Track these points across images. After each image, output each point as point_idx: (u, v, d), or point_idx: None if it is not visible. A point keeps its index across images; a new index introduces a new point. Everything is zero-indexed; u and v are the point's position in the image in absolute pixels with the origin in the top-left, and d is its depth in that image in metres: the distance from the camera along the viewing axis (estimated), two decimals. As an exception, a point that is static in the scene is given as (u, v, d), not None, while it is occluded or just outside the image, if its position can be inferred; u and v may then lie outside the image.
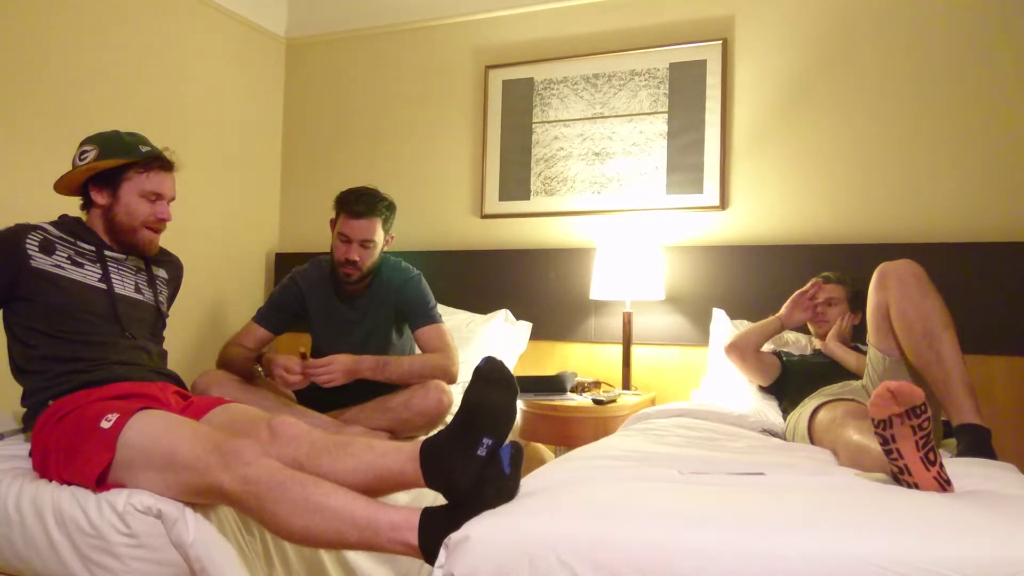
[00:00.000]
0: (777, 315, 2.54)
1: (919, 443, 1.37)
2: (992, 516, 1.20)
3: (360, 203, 2.35)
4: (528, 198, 3.30)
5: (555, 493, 1.35)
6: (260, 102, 3.71)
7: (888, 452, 1.41)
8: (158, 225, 1.91)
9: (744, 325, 2.79)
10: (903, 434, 1.38)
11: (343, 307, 2.48)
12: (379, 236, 2.39)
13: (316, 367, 2.18)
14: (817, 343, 2.59)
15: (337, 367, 2.19)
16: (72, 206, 1.95)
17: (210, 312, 3.42)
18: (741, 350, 2.49)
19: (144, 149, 1.88)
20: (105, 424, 1.53)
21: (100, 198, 1.87)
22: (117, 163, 1.84)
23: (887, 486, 1.43)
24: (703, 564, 1.08)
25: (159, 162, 1.89)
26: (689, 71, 3.07)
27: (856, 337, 2.53)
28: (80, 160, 1.85)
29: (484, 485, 1.32)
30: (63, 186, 1.88)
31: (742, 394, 2.54)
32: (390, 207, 2.43)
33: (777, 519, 1.17)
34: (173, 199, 1.95)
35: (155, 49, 3.14)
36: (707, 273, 2.98)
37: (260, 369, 2.24)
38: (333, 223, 2.43)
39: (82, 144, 1.88)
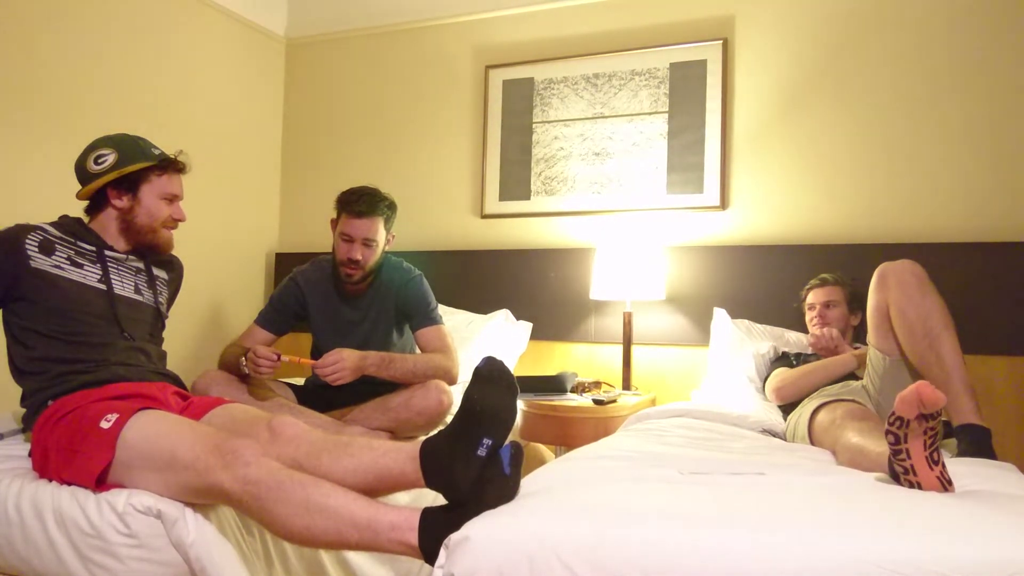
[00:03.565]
0: (841, 356, 2.34)
1: (926, 442, 1.38)
2: (992, 516, 1.20)
3: (362, 203, 2.35)
4: (528, 198, 3.30)
5: (555, 493, 1.34)
6: (260, 102, 3.71)
7: (897, 452, 1.41)
8: (175, 225, 1.98)
9: (744, 325, 2.79)
10: (915, 434, 1.39)
11: (344, 307, 2.48)
12: (381, 235, 2.39)
13: (323, 365, 2.16)
14: None
15: (345, 363, 2.16)
16: (72, 207, 1.95)
17: (210, 312, 3.42)
18: (796, 394, 2.29)
19: (156, 151, 1.92)
20: (105, 424, 1.53)
21: (119, 201, 1.89)
22: (140, 166, 1.88)
23: (887, 486, 1.43)
24: (703, 564, 1.08)
25: (176, 164, 1.95)
26: (689, 71, 3.07)
27: (857, 338, 2.53)
28: (97, 164, 1.86)
29: (484, 485, 1.32)
30: (86, 193, 1.90)
31: (742, 394, 2.54)
32: (391, 206, 2.43)
33: (777, 519, 1.17)
34: (182, 199, 1.98)
35: (155, 49, 3.14)
36: (707, 273, 2.98)
37: (244, 362, 2.23)
38: (334, 223, 2.43)
39: (94, 148, 1.89)
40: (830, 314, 2.50)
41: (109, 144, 1.88)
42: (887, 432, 1.43)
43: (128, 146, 1.89)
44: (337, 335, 2.46)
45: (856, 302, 2.51)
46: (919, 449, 1.38)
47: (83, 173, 1.88)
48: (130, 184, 1.88)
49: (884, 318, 1.99)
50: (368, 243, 2.36)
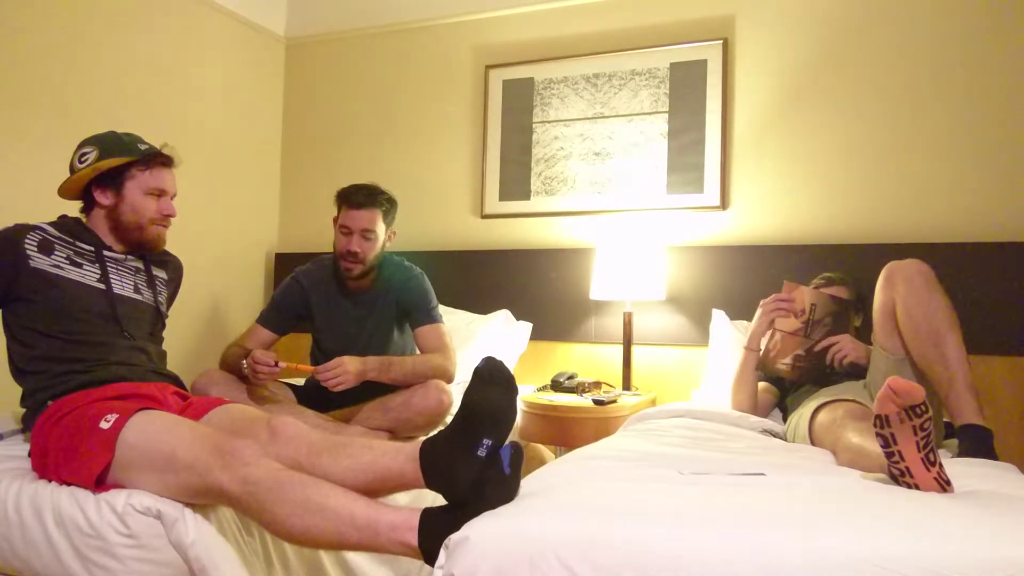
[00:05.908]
0: (745, 347, 2.36)
1: (920, 444, 1.37)
2: (992, 516, 1.20)
3: (360, 194, 2.38)
4: (528, 198, 3.30)
5: (555, 493, 1.34)
6: (260, 102, 3.70)
7: (890, 455, 1.41)
8: (164, 221, 1.94)
9: (743, 326, 2.78)
10: (904, 435, 1.38)
11: (347, 305, 2.48)
12: (380, 228, 2.39)
13: (325, 371, 2.16)
14: None
15: (347, 368, 2.17)
16: (72, 207, 1.95)
17: (210, 312, 3.42)
18: (751, 408, 2.34)
19: (143, 147, 1.89)
20: (104, 425, 1.53)
21: (104, 199, 1.87)
22: (120, 162, 1.85)
23: (887, 486, 1.42)
24: (703, 564, 1.08)
25: (160, 158, 1.91)
26: (689, 71, 3.07)
27: (859, 338, 2.52)
28: (80, 163, 1.85)
29: (484, 485, 1.32)
30: (67, 190, 1.89)
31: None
32: (391, 201, 2.45)
33: (777, 519, 1.17)
34: (175, 195, 1.96)
35: (155, 49, 3.14)
36: (708, 273, 2.98)
37: (245, 364, 2.23)
38: (335, 221, 2.43)
39: (80, 147, 1.88)
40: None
41: (93, 142, 1.87)
42: (876, 435, 1.42)
43: (110, 142, 1.87)
44: (340, 334, 2.47)
45: (860, 303, 2.46)
46: (912, 451, 1.37)
47: (71, 172, 1.87)
48: (113, 180, 1.86)
49: (890, 317, 1.98)
50: (367, 235, 2.36)
